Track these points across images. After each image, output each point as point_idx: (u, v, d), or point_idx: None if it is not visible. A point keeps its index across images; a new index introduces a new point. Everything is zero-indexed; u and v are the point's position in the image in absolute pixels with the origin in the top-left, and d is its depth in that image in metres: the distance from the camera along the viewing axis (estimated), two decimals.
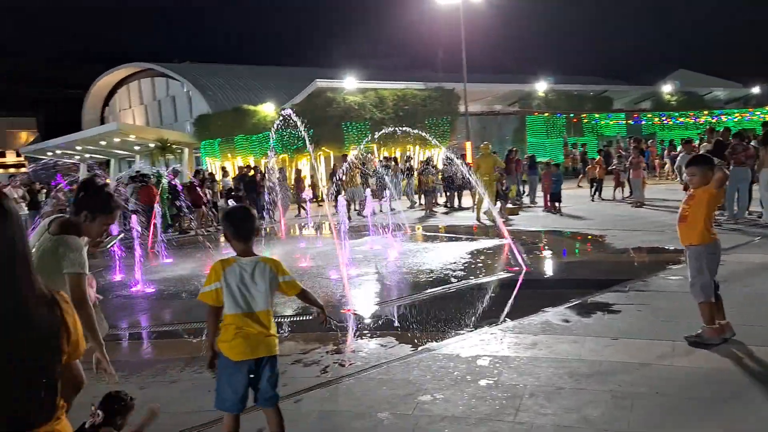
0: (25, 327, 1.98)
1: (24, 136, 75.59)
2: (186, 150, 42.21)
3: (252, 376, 3.91)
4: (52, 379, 2.06)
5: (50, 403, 2.06)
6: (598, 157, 23.37)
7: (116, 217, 4.41)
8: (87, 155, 48.40)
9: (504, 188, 18.53)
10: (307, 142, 18.95)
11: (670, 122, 42.68)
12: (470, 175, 16.19)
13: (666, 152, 30.23)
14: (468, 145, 30.76)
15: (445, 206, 22.98)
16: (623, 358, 5.66)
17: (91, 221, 4.19)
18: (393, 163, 26.67)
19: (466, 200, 22.86)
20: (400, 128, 21.85)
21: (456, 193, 23.31)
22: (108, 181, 33.94)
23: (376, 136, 22.21)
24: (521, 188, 24.45)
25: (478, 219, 17.56)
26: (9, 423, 1.97)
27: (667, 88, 45.84)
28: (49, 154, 48.33)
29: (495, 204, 17.19)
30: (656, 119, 42.61)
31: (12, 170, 70.31)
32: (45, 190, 24.77)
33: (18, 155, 68.22)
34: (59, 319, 2.09)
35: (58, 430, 2.11)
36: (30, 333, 1.99)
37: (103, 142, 43.12)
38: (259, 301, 3.87)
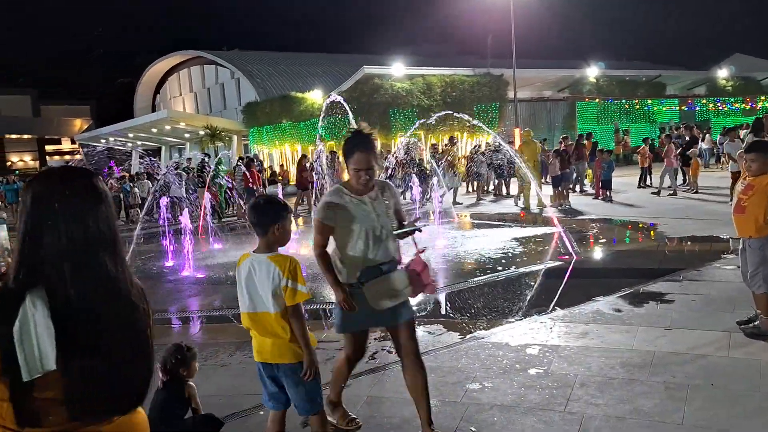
0: (136, 307, 2.06)
1: (78, 123, 77.13)
2: (235, 137, 42.69)
3: (275, 379, 3.76)
4: (151, 357, 2.13)
5: (148, 382, 2.11)
6: (642, 146, 22.75)
7: (361, 160, 4.03)
8: (139, 142, 49.31)
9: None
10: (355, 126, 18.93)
11: (726, 108, 41.56)
12: (520, 163, 16.00)
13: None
14: (516, 131, 30.40)
15: (495, 194, 22.80)
16: (677, 348, 5.54)
17: (349, 169, 4.15)
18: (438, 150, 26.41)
19: (514, 188, 22.65)
20: (455, 113, 21.63)
21: (504, 181, 23.07)
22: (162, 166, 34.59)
23: (419, 123, 21.98)
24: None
25: (526, 207, 17.38)
26: (126, 400, 2.04)
27: (722, 73, 44.54)
28: (103, 141, 49.39)
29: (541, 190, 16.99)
30: (711, 105, 41.54)
31: (67, 157, 72.07)
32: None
33: (73, 142, 69.79)
34: (146, 302, 2.13)
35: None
36: (139, 313, 2.07)
37: (154, 130, 43.89)
38: (259, 302, 3.62)
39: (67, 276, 1.93)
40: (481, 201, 21.04)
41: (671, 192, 18.24)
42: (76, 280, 1.94)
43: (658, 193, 18.21)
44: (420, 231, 4.23)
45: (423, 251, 4.23)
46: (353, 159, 4.07)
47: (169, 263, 12.33)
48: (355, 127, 4.25)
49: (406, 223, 4.27)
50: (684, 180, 20.00)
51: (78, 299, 1.93)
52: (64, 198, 1.98)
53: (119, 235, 2.11)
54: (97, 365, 1.94)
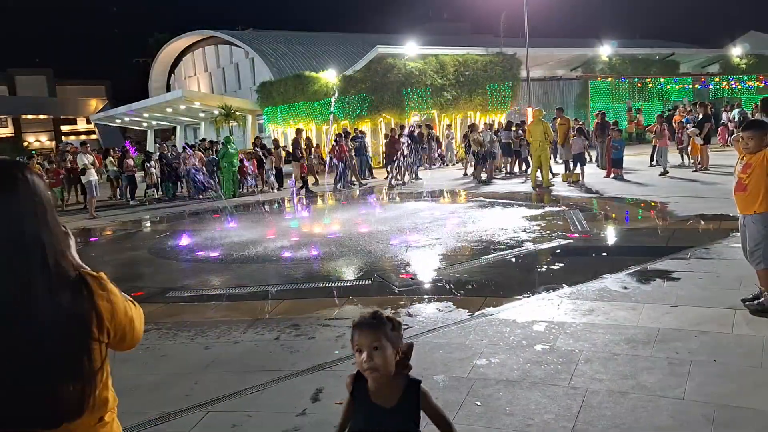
0: (29, 316, 1.74)
1: (94, 103, 77.34)
2: (249, 117, 42.72)
3: None
4: (80, 371, 1.80)
5: (78, 397, 1.80)
6: (655, 124, 22.69)
7: None
8: (154, 122, 49.48)
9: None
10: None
11: (739, 86, 41.15)
12: (528, 142, 16.09)
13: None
14: (529, 111, 30.37)
15: (508, 173, 22.83)
16: (682, 325, 5.63)
17: None
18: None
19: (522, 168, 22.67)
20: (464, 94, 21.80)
21: (513, 159, 23.17)
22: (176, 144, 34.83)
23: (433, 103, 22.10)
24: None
25: (535, 185, 17.38)
26: (22, 418, 1.75)
27: (736, 51, 44.07)
28: (118, 121, 49.61)
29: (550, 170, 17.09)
30: (724, 83, 41.15)
31: (83, 137, 72.48)
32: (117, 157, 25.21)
33: (88, 122, 70.13)
34: (88, 303, 1.82)
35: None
36: (36, 323, 1.74)
37: (169, 110, 44.01)
38: None
39: None
40: (493, 180, 21.04)
41: (664, 171, 18.19)
42: None
43: (664, 173, 18.10)
44: None
45: None
46: None
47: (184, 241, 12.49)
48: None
49: None
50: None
51: None
52: None
53: (37, 234, 1.79)
54: None
